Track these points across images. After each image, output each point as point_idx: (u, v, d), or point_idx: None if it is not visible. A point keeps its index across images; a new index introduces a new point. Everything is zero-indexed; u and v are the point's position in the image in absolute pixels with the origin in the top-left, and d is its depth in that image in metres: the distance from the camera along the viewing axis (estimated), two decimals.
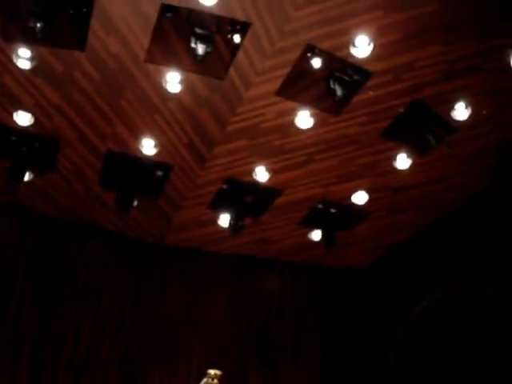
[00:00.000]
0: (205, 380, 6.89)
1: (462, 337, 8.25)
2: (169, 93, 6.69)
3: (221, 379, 7.40)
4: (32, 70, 6.39)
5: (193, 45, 5.84)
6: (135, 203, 7.72)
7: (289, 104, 6.94)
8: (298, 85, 6.60)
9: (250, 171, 7.89)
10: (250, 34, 6.04)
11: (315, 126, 7.12)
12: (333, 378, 9.73)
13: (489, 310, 7.95)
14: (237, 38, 5.99)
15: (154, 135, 7.39)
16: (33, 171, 7.46)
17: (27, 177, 7.35)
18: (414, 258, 9.45)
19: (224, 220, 8.30)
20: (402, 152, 7.48)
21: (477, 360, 7.92)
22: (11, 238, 8.83)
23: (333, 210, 8.40)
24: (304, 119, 7.05)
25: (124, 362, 8.02)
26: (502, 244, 7.97)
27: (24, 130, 7.10)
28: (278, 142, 7.56)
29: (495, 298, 7.88)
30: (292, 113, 7.03)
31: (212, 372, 7.40)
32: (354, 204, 8.34)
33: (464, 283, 8.50)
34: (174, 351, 9.27)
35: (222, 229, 8.44)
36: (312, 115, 7.01)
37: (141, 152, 7.44)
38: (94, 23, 5.96)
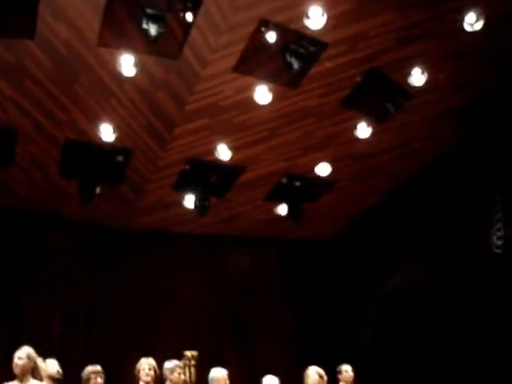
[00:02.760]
0: (182, 361, 6.91)
1: (433, 307, 8.42)
2: (124, 76, 6.55)
3: (198, 359, 7.45)
4: None
5: (145, 25, 5.72)
6: (98, 190, 7.60)
7: (246, 80, 6.89)
8: (254, 60, 6.55)
9: (212, 150, 7.83)
10: (201, 10, 5.94)
11: (274, 101, 7.09)
12: (307, 349, 9.78)
13: (458, 279, 8.12)
14: (189, 16, 5.88)
15: (112, 120, 7.27)
16: None
17: None
18: (380, 223, 9.56)
19: (189, 201, 8.25)
20: (362, 121, 7.52)
21: (452, 329, 8.10)
22: None
23: (297, 183, 8.43)
24: (263, 94, 7.00)
25: (100, 353, 7.99)
26: (468, 202, 8.10)
27: None
28: (238, 118, 7.53)
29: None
30: (250, 88, 6.99)
31: (189, 353, 7.44)
32: (318, 175, 8.38)
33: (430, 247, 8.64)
34: (150, 335, 9.27)
35: (188, 210, 8.40)
36: (270, 90, 6.97)
37: (100, 138, 7.32)
38: (42, 10, 5.79)
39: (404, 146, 8.29)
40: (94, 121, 7.25)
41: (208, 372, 6.96)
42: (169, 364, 6.67)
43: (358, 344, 9.53)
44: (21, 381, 5.23)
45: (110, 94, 6.99)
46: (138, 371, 6.43)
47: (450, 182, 8.37)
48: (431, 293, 8.53)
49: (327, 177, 8.42)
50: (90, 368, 6.16)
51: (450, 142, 8.18)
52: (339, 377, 7.59)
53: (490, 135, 7.82)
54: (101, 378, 6.11)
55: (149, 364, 6.39)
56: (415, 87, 7.01)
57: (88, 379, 6.08)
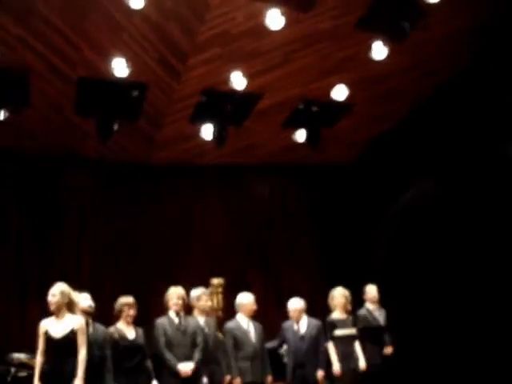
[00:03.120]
0: (209, 289, 7.06)
1: (446, 224, 8.42)
2: (133, 9, 6.44)
3: (224, 286, 7.61)
4: None
5: None
6: (115, 127, 7.59)
7: (258, 5, 6.72)
8: None
9: (227, 79, 7.71)
10: None
11: (287, 25, 6.91)
12: (330, 272, 9.91)
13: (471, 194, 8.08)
14: None
15: (124, 55, 7.15)
16: (6, 109, 7.25)
17: (1, 116, 7.15)
18: (398, 146, 9.50)
19: (207, 132, 8.23)
20: (378, 42, 7.34)
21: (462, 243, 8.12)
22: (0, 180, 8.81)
23: (314, 108, 8.31)
24: (275, 19, 6.81)
25: (128, 285, 8.19)
26: (481, 122, 8.00)
27: None
28: (251, 45, 7.39)
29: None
30: (262, 14, 6.81)
31: (215, 281, 7.60)
32: (335, 99, 8.25)
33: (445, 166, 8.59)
34: (175, 266, 9.45)
35: (207, 141, 8.38)
36: (282, 14, 6.79)
37: (113, 74, 7.24)
38: None
39: (419, 66, 8.12)
40: (107, 57, 7.15)
41: (234, 298, 7.13)
42: (195, 292, 6.83)
43: (374, 262, 9.62)
44: (57, 316, 5.46)
45: (120, 29, 6.89)
46: (167, 301, 6.59)
47: (464, 101, 8.25)
48: (445, 207, 8.51)
49: (344, 101, 8.31)
50: (122, 300, 6.32)
51: (466, 62, 8.00)
52: (364, 297, 7.75)
53: (507, 53, 7.64)
54: (134, 309, 6.28)
55: (177, 294, 6.54)
56: (431, 4, 6.80)
57: (121, 310, 6.26)
